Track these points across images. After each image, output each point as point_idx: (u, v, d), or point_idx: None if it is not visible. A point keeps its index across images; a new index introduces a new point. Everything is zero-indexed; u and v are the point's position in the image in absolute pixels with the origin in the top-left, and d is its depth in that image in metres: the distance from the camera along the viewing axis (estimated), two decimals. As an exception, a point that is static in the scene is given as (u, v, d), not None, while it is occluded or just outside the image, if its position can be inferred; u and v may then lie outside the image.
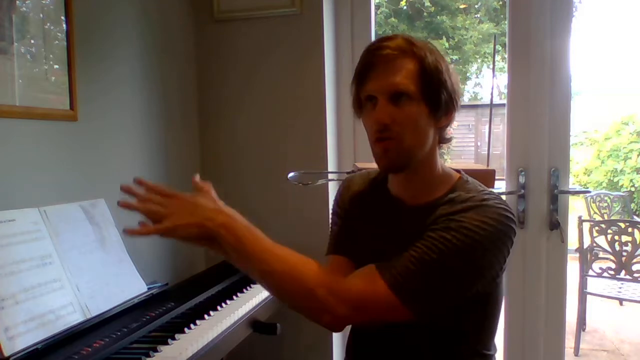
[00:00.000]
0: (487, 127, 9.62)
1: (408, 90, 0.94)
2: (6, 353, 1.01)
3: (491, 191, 1.00)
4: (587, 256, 3.20)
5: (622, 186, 6.86)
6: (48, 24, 1.37)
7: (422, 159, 0.99)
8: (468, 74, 13.58)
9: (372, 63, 0.96)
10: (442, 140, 1.03)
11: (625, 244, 3.08)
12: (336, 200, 1.19)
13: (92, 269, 1.30)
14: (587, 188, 7.02)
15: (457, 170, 1.07)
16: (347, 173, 1.62)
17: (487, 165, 2.20)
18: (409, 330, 0.98)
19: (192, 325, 1.26)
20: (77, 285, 1.23)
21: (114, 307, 1.30)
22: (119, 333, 1.19)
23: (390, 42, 0.96)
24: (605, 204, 4.42)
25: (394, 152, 0.97)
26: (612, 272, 3.13)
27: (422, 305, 0.91)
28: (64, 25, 1.40)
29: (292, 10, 1.89)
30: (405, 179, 1.04)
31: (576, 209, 4.79)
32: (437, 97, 0.96)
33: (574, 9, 2.42)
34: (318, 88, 1.89)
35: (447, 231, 0.91)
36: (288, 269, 0.94)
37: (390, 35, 0.99)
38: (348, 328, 1.12)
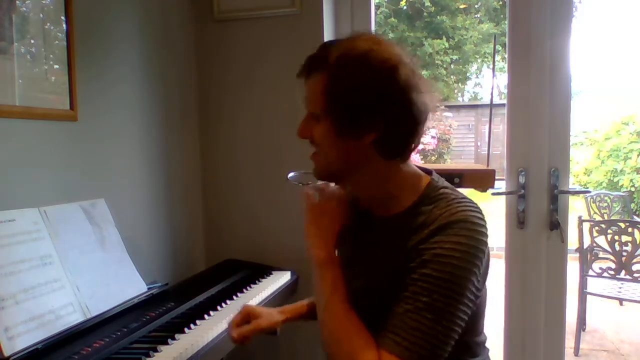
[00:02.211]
0: (487, 127, 9.63)
1: (315, 111, 0.94)
2: (6, 353, 1.01)
3: (459, 198, 0.95)
4: (587, 256, 3.20)
5: (622, 186, 6.85)
6: (48, 24, 1.37)
7: (363, 174, 0.96)
8: (468, 74, 13.59)
9: (300, 72, 0.96)
10: (387, 155, 0.94)
11: (625, 244, 3.08)
12: None
13: (92, 269, 1.30)
14: (587, 188, 7.02)
15: (429, 172, 1.02)
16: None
17: (487, 165, 2.20)
18: None
19: (192, 325, 1.26)
20: (77, 285, 1.23)
21: (114, 307, 1.30)
22: (119, 333, 1.19)
23: (318, 51, 0.95)
24: (605, 204, 4.42)
25: (318, 166, 1.00)
26: (612, 272, 3.13)
27: (443, 350, 0.88)
28: (64, 25, 1.40)
29: (292, 10, 1.90)
30: (360, 193, 1.03)
31: (576, 209, 4.79)
32: (343, 115, 0.90)
33: (574, 9, 2.41)
34: (318, 88, 1.88)
35: (425, 266, 0.88)
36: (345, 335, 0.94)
37: (327, 42, 0.97)
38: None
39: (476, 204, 0.95)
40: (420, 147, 8.37)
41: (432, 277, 0.87)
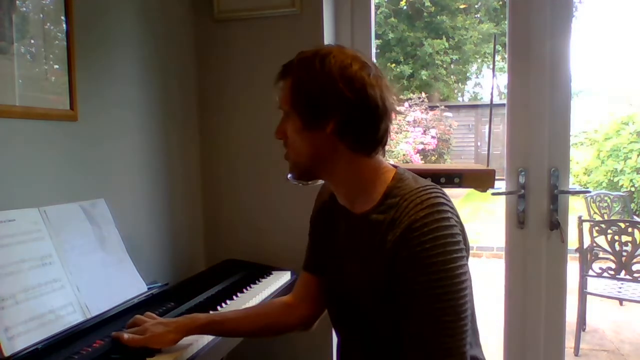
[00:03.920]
0: (487, 127, 9.63)
1: (284, 108, 1.04)
2: (6, 353, 1.01)
3: (422, 186, 0.98)
4: (587, 256, 3.20)
5: (622, 186, 6.85)
6: (48, 24, 1.37)
7: (333, 167, 1.02)
8: (468, 74, 13.59)
9: (276, 80, 1.06)
10: (350, 145, 0.99)
11: (625, 244, 3.08)
12: (311, 217, 1.24)
13: (92, 269, 1.30)
14: (587, 188, 7.02)
15: (395, 165, 1.06)
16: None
17: (487, 165, 2.20)
18: (394, 339, 1.00)
19: (192, 325, 1.26)
20: (77, 285, 1.23)
21: (114, 307, 1.30)
22: (119, 333, 1.19)
23: (292, 59, 1.03)
24: (605, 204, 4.42)
25: (291, 165, 1.06)
26: (612, 272, 3.13)
27: (464, 340, 0.92)
28: (64, 25, 1.40)
29: (292, 10, 1.90)
30: (335, 189, 1.08)
31: (576, 209, 4.78)
32: (305, 106, 0.99)
33: (574, 9, 2.41)
34: (318, 88, 1.88)
35: (420, 274, 0.91)
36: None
37: (300, 52, 1.04)
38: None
39: (438, 187, 0.99)
40: (420, 147, 8.37)
41: (433, 282, 0.90)
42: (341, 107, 0.96)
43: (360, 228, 1.02)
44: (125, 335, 1.09)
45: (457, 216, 0.97)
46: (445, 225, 0.92)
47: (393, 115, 1.01)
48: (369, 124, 0.98)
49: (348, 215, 1.06)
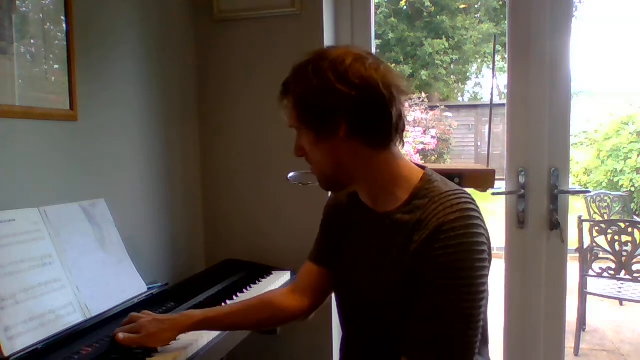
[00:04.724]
0: (487, 127, 9.63)
1: (293, 125, 1.02)
2: (6, 353, 1.01)
3: (452, 190, 0.96)
4: (587, 256, 3.20)
5: (622, 186, 6.85)
6: (48, 24, 1.37)
7: (357, 170, 1.00)
8: (468, 74, 13.59)
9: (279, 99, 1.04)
10: (368, 142, 0.98)
11: (625, 244, 3.08)
12: (324, 209, 1.22)
13: (92, 269, 1.30)
14: (587, 188, 7.02)
15: (423, 167, 1.04)
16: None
17: (487, 165, 2.20)
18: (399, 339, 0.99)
19: (192, 325, 1.26)
20: (77, 285, 1.23)
21: (114, 307, 1.30)
22: (119, 333, 1.19)
23: (287, 77, 1.01)
24: (605, 204, 4.42)
25: (319, 178, 1.05)
26: (612, 272, 3.13)
27: (475, 347, 0.91)
28: (64, 25, 1.40)
29: (292, 10, 1.89)
30: (359, 187, 1.07)
31: (576, 209, 4.79)
32: (311, 117, 0.97)
33: (574, 9, 2.41)
34: (318, 88, 1.88)
35: (439, 276, 0.90)
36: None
37: (294, 65, 1.02)
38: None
39: (468, 192, 0.97)
40: (420, 147, 8.37)
41: (451, 287, 0.89)
42: (346, 107, 0.93)
43: (383, 227, 1.00)
44: (121, 335, 1.09)
45: (485, 224, 0.95)
46: (473, 233, 0.91)
47: (403, 98, 0.98)
48: (380, 114, 0.95)
49: (370, 213, 1.05)
